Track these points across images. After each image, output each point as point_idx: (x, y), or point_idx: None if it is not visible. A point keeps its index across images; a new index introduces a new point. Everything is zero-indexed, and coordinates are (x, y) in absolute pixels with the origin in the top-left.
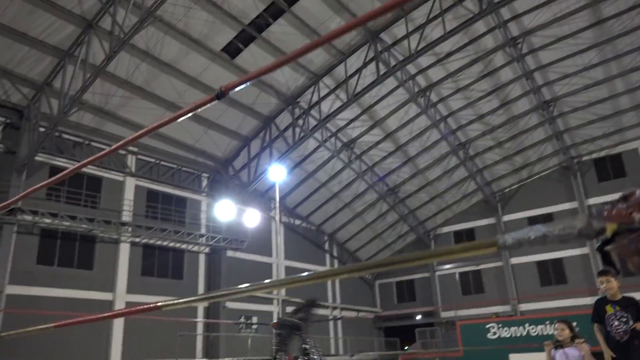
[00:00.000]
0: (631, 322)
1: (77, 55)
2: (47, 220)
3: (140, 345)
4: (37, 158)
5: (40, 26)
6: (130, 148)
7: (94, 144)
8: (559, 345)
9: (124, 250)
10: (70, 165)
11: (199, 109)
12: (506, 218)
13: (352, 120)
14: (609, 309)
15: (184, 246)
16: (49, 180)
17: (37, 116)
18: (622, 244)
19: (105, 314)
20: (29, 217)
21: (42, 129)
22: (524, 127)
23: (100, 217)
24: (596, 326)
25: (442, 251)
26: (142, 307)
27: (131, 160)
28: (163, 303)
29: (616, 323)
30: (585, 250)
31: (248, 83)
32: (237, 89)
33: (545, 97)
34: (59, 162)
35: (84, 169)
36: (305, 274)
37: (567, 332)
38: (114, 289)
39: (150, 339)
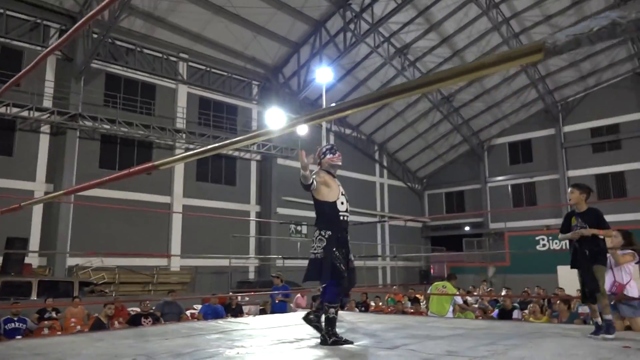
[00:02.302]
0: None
1: None
2: (106, 127)
3: (196, 244)
4: (93, 65)
5: None
6: (182, 55)
7: (145, 50)
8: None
9: None
10: (125, 72)
11: None
12: (567, 129)
13: (406, 24)
14: (573, 221)
15: (236, 153)
16: None
17: (90, 22)
18: None
19: (101, 180)
20: (89, 123)
21: (95, 36)
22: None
23: (156, 124)
24: (561, 236)
25: (471, 67)
26: (138, 167)
27: (182, 68)
28: (160, 162)
29: None
30: None
31: None
32: None
33: None
34: (114, 69)
35: (138, 76)
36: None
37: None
38: (171, 192)
39: (207, 239)
